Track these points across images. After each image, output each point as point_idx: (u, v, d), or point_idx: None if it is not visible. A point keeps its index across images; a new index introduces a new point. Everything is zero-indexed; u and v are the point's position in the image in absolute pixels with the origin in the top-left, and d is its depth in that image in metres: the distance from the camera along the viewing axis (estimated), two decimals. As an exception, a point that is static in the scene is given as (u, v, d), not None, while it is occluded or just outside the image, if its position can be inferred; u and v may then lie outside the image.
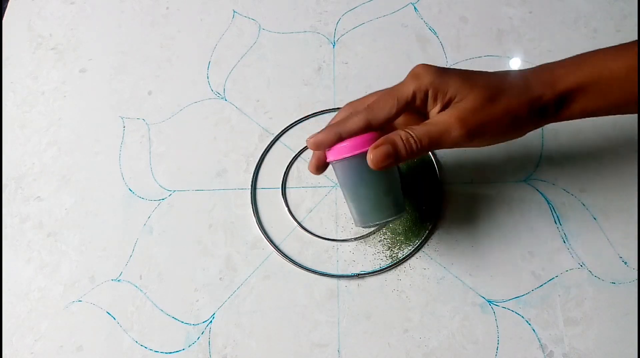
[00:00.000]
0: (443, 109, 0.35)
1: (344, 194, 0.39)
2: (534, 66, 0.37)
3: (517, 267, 0.44)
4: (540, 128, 0.49)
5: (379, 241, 0.46)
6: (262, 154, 0.50)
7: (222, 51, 0.55)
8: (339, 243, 0.46)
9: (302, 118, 0.51)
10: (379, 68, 0.53)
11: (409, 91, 0.35)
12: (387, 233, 0.46)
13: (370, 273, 0.44)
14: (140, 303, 0.44)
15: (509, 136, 0.36)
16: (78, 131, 0.52)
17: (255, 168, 0.49)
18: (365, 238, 0.46)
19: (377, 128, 0.36)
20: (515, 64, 0.52)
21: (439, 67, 0.35)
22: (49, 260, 0.46)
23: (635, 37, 0.53)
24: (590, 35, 0.53)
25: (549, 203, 0.46)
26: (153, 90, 0.54)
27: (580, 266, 0.44)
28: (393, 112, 0.35)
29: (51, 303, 0.45)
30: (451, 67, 0.52)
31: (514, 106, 0.34)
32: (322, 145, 0.36)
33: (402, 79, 0.52)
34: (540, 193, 0.47)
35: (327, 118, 0.51)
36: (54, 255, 0.47)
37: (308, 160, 0.49)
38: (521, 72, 0.36)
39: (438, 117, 0.35)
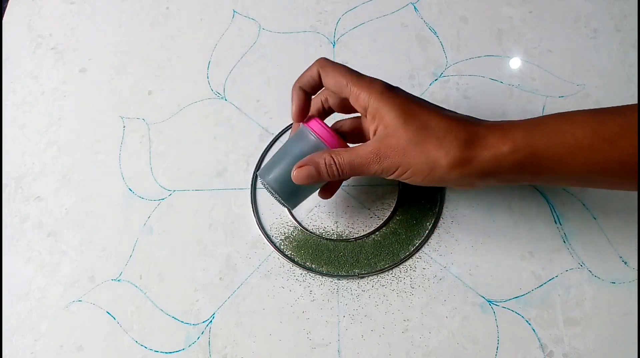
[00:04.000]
0: (375, 133, 0.34)
1: (281, 148, 0.41)
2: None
3: (517, 267, 0.44)
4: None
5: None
6: (262, 154, 0.50)
7: (222, 50, 0.55)
8: (338, 243, 0.46)
9: (302, 118, 0.51)
10: (379, 68, 0.53)
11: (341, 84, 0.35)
12: (388, 234, 0.46)
13: (370, 273, 0.44)
14: (140, 303, 0.44)
15: (435, 184, 0.34)
16: (78, 131, 0.52)
17: (255, 168, 0.49)
18: (366, 238, 0.46)
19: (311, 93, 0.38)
20: (515, 63, 0.52)
21: (389, 89, 0.33)
22: (49, 260, 0.46)
23: (636, 37, 0.53)
24: (590, 35, 0.53)
25: (549, 203, 0.46)
26: (153, 90, 0.54)
27: (580, 266, 0.44)
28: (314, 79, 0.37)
29: (51, 303, 0.45)
30: (449, 66, 0.52)
31: (436, 156, 0.32)
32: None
33: (402, 79, 0.53)
34: (540, 192, 0.46)
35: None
36: (54, 254, 0.47)
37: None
38: (467, 123, 0.33)
39: (362, 149, 0.34)
